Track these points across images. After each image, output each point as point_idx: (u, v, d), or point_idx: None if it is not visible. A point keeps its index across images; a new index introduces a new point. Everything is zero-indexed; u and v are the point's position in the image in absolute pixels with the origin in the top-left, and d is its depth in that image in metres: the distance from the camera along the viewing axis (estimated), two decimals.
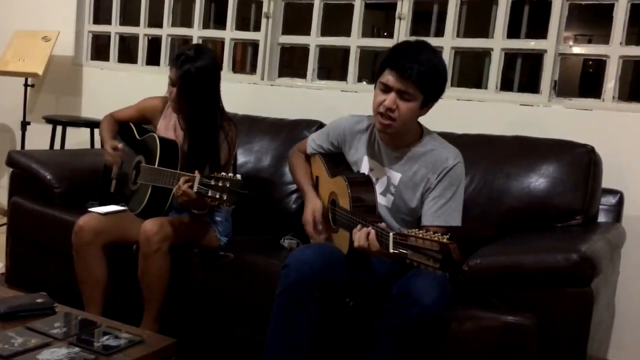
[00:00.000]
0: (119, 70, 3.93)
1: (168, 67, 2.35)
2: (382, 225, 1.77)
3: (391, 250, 1.64)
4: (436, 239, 1.51)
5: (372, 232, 1.73)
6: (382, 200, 2.05)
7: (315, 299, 1.86)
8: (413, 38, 2.05)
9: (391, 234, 1.65)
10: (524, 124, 2.62)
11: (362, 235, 1.77)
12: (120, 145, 2.46)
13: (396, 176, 2.04)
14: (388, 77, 1.90)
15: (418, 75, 1.86)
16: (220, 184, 1.92)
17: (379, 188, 2.06)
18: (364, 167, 2.12)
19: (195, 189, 1.99)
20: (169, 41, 3.80)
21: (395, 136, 2.02)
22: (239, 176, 1.92)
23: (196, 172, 2.05)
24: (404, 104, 1.90)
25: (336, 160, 2.24)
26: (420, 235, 1.55)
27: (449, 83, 2.92)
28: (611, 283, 2.23)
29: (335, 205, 2.08)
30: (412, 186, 2.01)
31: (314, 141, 2.33)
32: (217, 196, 1.91)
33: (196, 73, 2.26)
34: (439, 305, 1.78)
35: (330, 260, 1.91)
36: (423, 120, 2.08)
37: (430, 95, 1.92)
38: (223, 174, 1.95)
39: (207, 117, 2.33)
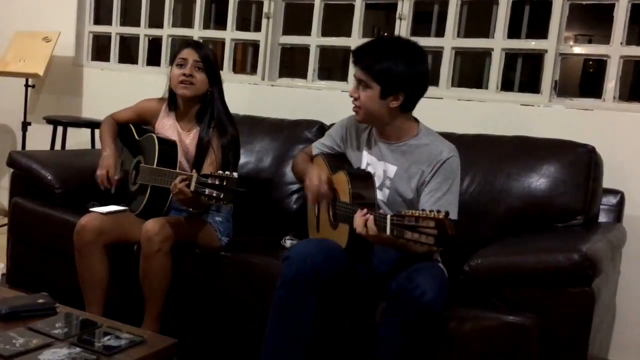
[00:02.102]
0: (120, 70, 3.93)
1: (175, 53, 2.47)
2: (381, 212, 1.81)
3: (388, 233, 1.68)
4: (432, 215, 1.56)
5: (370, 218, 1.77)
6: (378, 195, 2.07)
7: (316, 292, 1.86)
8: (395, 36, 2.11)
9: (389, 215, 1.69)
10: (525, 124, 2.62)
11: (361, 221, 1.79)
12: (116, 177, 2.48)
13: (392, 169, 2.06)
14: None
15: (366, 63, 1.98)
16: (217, 183, 1.93)
17: (375, 182, 2.08)
18: (363, 162, 2.15)
19: (192, 187, 2.00)
20: (169, 42, 3.80)
21: (385, 129, 2.08)
22: (235, 174, 1.93)
23: (193, 171, 2.08)
24: (362, 92, 2.00)
25: (338, 159, 2.26)
26: (417, 213, 1.60)
27: (447, 83, 2.95)
28: (612, 283, 2.23)
29: (335, 201, 2.09)
30: (407, 178, 2.03)
31: (318, 142, 2.38)
32: (214, 194, 1.92)
33: (213, 55, 2.47)
34: (438, 302, 1.78)
35: (332, 254, 1.92)
36: (419, 118, 2.11)
37: (387, 85, 1.96)
38: (220, 172, 1.95)
39: (224, 103, 2.47)
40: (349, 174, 2.05)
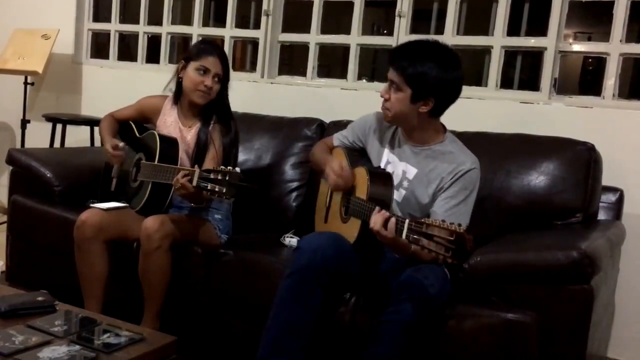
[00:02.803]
0: (119, 68, 3.93)
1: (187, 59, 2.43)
2: (399, 215, 1.81)
3: (404, 237, 1.66)
4: (453, 228, 1.54)
5: (393, 219, 1.76)
6: (394, 195, 2.06)
7: (324, 284, 1.87)
8: (431, 37, 2.11)
9: (407, 220, 1.67)
10: (524, 121, 2.63)
11: (380, 220, 1.78)
12: (121, 144, 2.48)
13: (412, 171, 2.06)
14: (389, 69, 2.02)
15: (400, 65, 1.97)
16: (219, 177, 1.93)
17: (394, 184, 2.07)
18: (383, 160, 2.15)
19: (194, 182, 2.00)
20: (168, 39, 3.79)
21: (412, 131, 2.07)
22: (238, 169, 1.93)
23: (196, 166, 2.07)
24: (393, 94, 1.99)
25: (358, 153, 2.26)
26: (437, 223, 1.57)
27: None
28: (611, 280, 2.24)
29: (350, 195, 2.09)
30: (426, 182, 2.03)
31: (340, 134, 2.37)
32: (217, 189, 1.92)
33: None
34: (440, 296, 1.79)
35: (342, 248, 1.93)
36: None
37: (418, 90, 1.95)
38: (222, 167, 1.96)
39: (228, 105, 2.47)
40: (370, 171, 2.04)
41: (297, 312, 1.86)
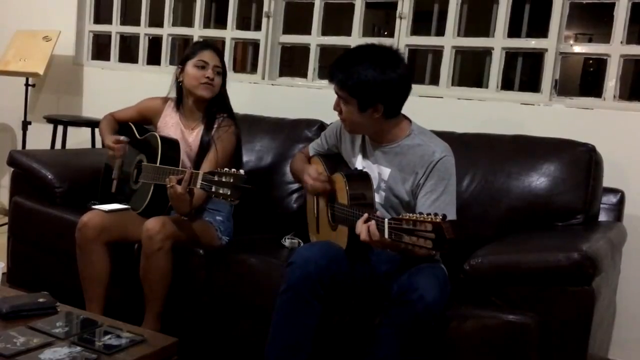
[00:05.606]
0: (120, 70, 3.93)
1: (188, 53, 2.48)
2: (379, 214, 1.81)
3: (386, 236, 1.68)
4: (429, 219, 1.55)
5: (372, 222, 1.76)
6: (375, 197, 2.06)
7: (320, 296, 1.87)
8: (371, 42, 2.07)
9: (386, 219, 1.69)
10: (525, 123, 2.63)
11: (364, 228, 1.78)
12: (122, 138, 2.49)
13: (386, 171, 2.06)
14: None
15: (339, 78, 1.97)
16: (224, 180, 1.92)
17: (373, 183, 2.07)
18: (358, 166, 2.15)
19: (198, 185, 1.99)
20: (169, 41, 3.80)
21: (376, 135, 2.07)
22: (242, 171, 1.92)
23: (201, 168, 2.07)
24: (343, 106, 2.01)
25: (334, 160, 2.26)
26: (415, 217, 1.59)
27: (447, 82, 2.95)
28: (612, 282, 2.24)
29: (333, 202, 2.09)
30: (401, 179, 2.03)
31: (315, 142, 2.40)
32: (221, 192, 1.91)
33: None
34: (440, 303, 1.78)
35: (334, 257, 1.92)
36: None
37: (362, 99, 1.94)
38: (226, 169, 1.94)
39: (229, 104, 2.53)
40: (346, 175, 2.04)
41: (296, 330, 1.87)
